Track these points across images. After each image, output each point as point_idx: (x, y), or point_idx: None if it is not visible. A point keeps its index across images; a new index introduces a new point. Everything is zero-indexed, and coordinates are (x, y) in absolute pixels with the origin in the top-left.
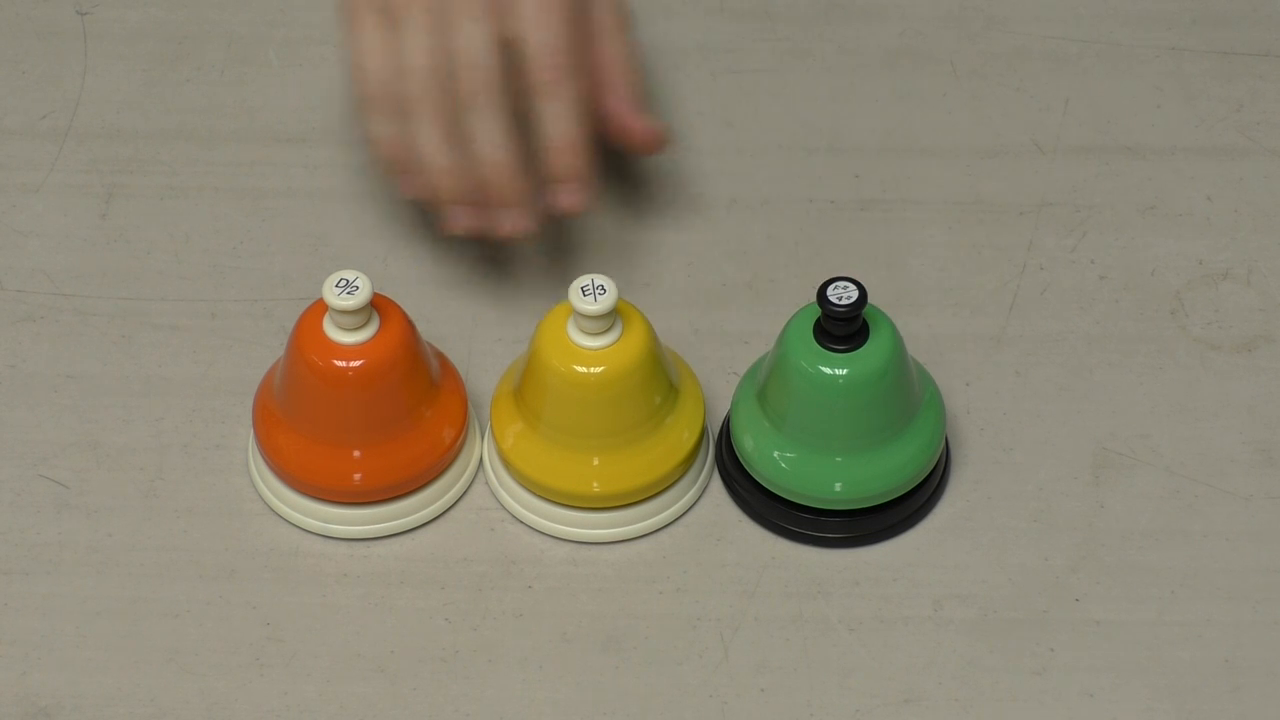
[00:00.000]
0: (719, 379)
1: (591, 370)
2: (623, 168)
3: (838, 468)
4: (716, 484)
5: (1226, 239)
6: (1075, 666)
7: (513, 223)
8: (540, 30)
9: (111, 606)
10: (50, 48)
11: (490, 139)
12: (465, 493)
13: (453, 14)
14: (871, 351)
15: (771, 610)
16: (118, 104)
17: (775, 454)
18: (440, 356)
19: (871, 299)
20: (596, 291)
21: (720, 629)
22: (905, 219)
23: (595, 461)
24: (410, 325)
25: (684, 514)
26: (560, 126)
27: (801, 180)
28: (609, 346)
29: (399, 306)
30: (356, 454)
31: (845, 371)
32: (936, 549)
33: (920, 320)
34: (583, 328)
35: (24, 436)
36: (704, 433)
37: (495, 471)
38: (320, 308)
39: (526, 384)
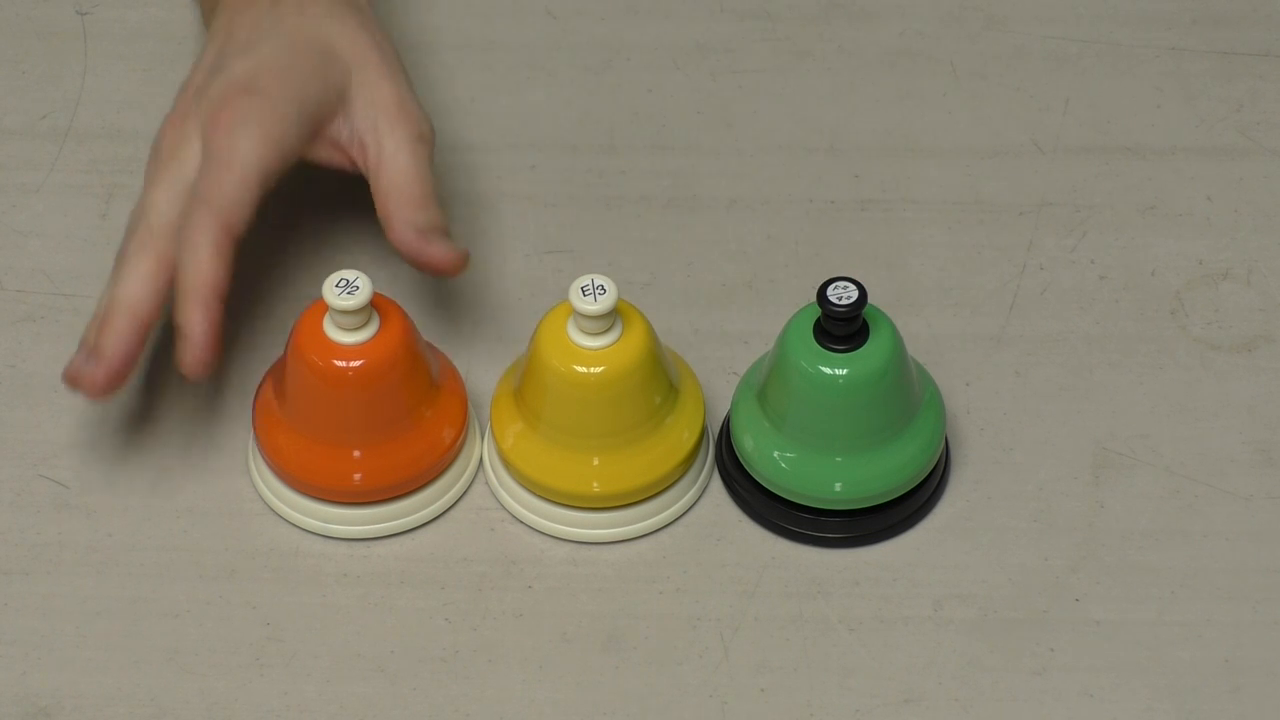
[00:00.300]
0: (719, 379)
1: (591, 370)
2: (621, 166)
3: (838, 468)
4: (716, 484)
5: (1226, 239)
6: (1075, 666)
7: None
8: (205, 162)
9: (111, 606)
10: (50, 48)
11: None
12: (465, 493)
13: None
14: (871, 351)
15: (771, 610)
16: (118, 104)
17: (775, 454)
18: (440, 356)
19: (871, 299)
20: (596, 291)
21: (720, 629)
22: (905, 219)
23: (595, 461)
24: (410, 325)
25: (684, 514)
26: (187, 271)
27: (801, 180)
28: (609, 346)
29: (399, 306)
30: (356, 454)
31: (845, 371)
32: (936, 549)
33: (920, 320)
34: (583, 328)
35: (24, 436)
36: (704, 433)
37: (495, 471)
38: (320, 308)
39: (526, 384)
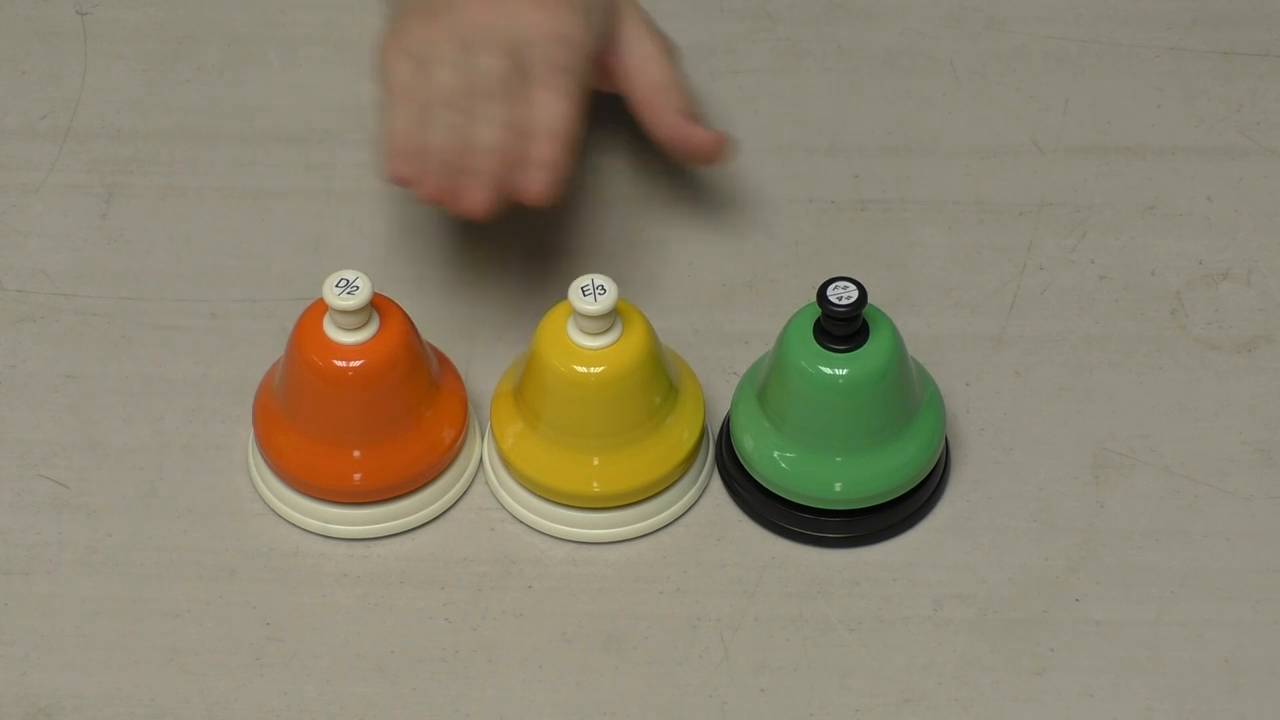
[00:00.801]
0: (719, 379)
1: (591, 370)
2: (610, 164)
3: (838, 468)
4: (716, 484)
5: (1226, 239)
6: (1075, 666)
7: (475, 199)
8: (546, 28)
9: (111, 606)
10: (50, 48)
11: (488, 125)
12: (465, 493)
13: (472, 53)
14: (871, 351)
15: (771, 610)
16: (118, 104)
17: (775, 454)
18: (440, 356)
19: (871, 299)
20: (596, 291)
21: (720, 629)
22: (905, 219)
23: (595, 461)
24: (410, 325)
25: (684, 514)
26: (547, 114)
27: (801, 180)
28: (609, 346)
29: (399, 306)
30: (356, 454)
31: (845, 371)
32: (936, 549)
33: (920, 320)
34: (583, 328)
35: (24, 436)
36: (704, 433)
37: (495, 471)
38: (320, 308)
39: (526, 384)
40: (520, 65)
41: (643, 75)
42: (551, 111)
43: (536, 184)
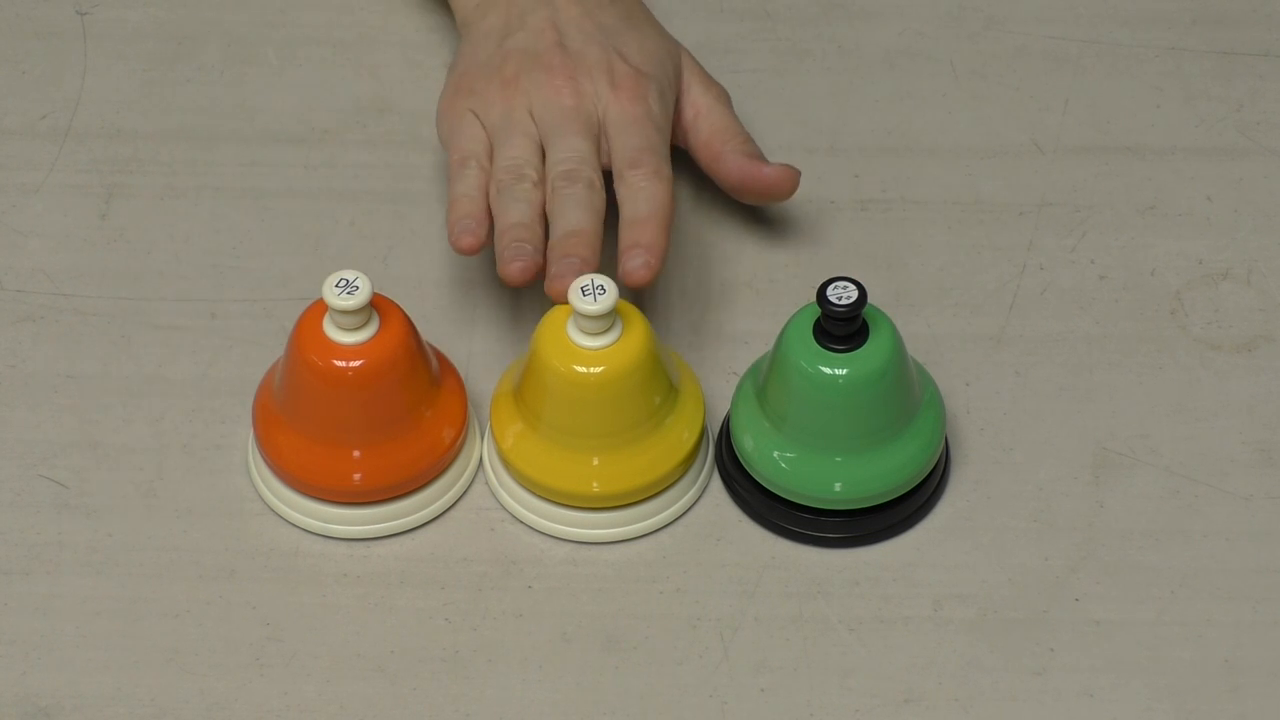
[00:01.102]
0: (719, 379)
1: (591, 370)
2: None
3: (837, 468)
4: (716, 484)
5: (1226, 239)
6: (1075, 666)
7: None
8: (630, 110)
9: (111, 606)
10: (50, 48)
11: (577, 212)
12: (465, 493)
13: (551, 132)
14: (871, 351)
15: (771, 610)
16: (118, 104)
17: (775, 454)
18: (440, 356)
19: (871, 299)
20: (596, 291)
21: (720, 629)
22: (905, 219)
23: (595, 461)
24: (410, 325)
25: (684, 514)
26: (645, 197)
27: (801, 180)
28: (609, 346)
29: (399, 306)
30: (356, 454)
31: (845, 371)
32: (936, 549)
33: (920, 320)
34: (583, 328)
35: (24, 436)
36: (704, 433)
37: (495, 471)
38: (320, 308)
39: (526, 384)
40: (599, 146)
41: (704, 125)
42: (650, 195)
43: (641, 269)
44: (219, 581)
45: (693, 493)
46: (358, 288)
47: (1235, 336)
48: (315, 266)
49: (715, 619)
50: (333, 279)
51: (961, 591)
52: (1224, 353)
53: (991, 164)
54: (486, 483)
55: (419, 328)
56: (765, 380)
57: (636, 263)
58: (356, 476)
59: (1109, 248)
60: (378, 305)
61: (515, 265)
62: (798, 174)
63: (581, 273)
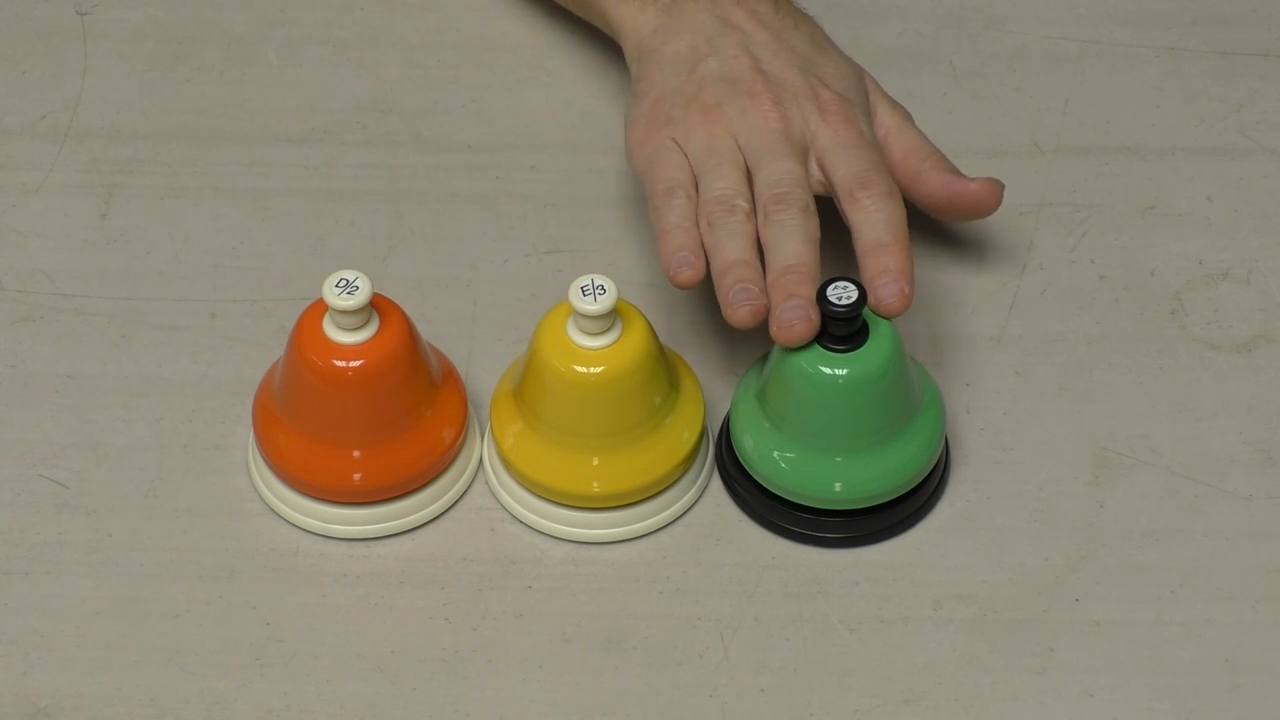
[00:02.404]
0: (719, 379)
1: (591, 370)
2: (621, 166)
3: (837, 468)
4: (716, 484)
5: (1226, 239)
6: (1075, 666)
7: (803, 327)
8: (843, 133)
9: (111, 606)
10: (50, 48)
11: (792, 246)
12: (465, 493)
13: (760, 157)
14: (871, 351)
15: (771, 610)
16: (118, 104)
17: (775, 454)
18: (440, 356)
19: None
20: (596, 291)
21: (720, 629)
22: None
23: (595, 461)
24: (410, 325)
25: (684, 514)
26: (885, 218)
27: None
28: (609, 346)
29: (399, 306)
30: (356, 454)
31: (845, 371)
32: (936, 549)
33: (920, 320)
34: (583, 328)
35: (24, 436)
36: (704, 433)
37: (495, 471)
38: (320, 308)
39: (526, 384)
40: (809, 172)
41: (896, 145)
42: (888, 216)
43: (896, 299)
44: (219, 581)
45: (693, 493)
46: (358, 288)
47: (1235, 336)
48: (315, 266)
49: (715, 619)
50: (333, 279)
51: (961, 591)
52: (1224, 353)
53: (991, 164)
54: (486, 483)
55: (419, 328)
56: (765, 380)
57: (890, 291)
58: (356, 476)
59: (1109, 248)
60: (378, 305)
61: (744, 310)
62: (1002, 186)
63: (810, 319)
